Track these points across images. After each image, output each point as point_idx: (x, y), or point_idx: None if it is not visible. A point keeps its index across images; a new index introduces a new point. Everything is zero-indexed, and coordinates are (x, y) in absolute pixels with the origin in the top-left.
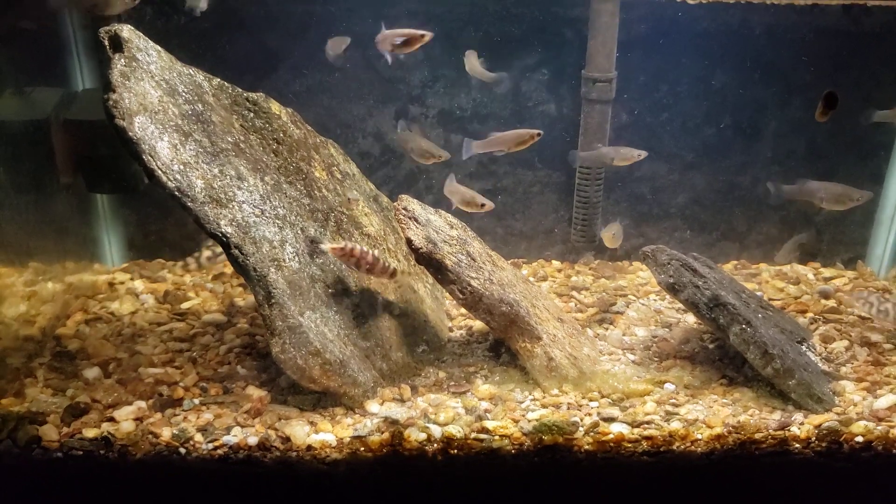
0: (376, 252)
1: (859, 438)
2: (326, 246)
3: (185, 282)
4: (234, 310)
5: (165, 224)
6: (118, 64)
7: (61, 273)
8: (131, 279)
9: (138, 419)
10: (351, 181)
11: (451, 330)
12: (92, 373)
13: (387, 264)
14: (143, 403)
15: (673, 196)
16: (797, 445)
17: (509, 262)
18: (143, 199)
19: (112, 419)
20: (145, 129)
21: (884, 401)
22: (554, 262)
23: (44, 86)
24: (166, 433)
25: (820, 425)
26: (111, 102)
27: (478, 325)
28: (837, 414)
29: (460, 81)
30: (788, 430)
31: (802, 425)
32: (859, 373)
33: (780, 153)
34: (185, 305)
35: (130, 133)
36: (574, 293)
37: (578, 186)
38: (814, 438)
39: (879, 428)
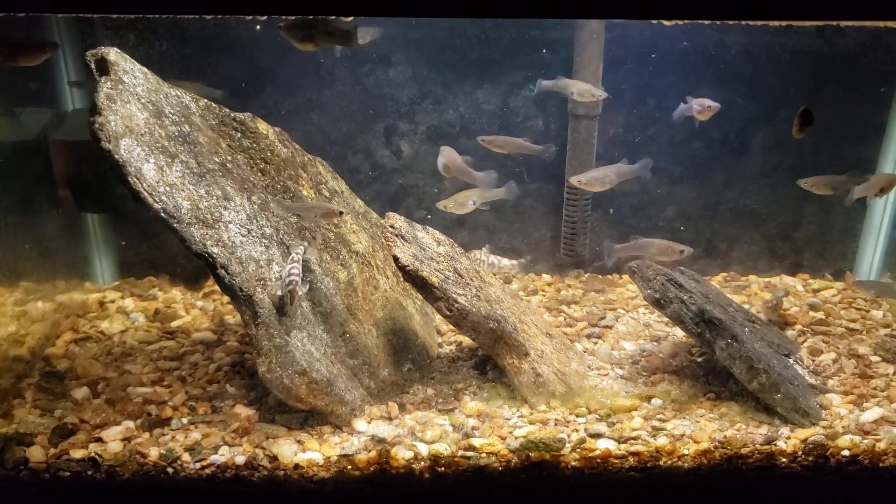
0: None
1: (846, 452)
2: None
3: (175, 299)
4: (223, 328)
5: (156, 242)
6: (104, 87)
7: (51, 292)
8: (122, 298)
9: (126, 439)
10: (339, 198)
11: (440, 346)
12: (80, 393)
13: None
14: (131, 423)
15: (660, 210)
16: (784, 460)
17: (498, 277)
18: (133, 217)
19: (100, 440)
20: (131, 152)
21: (870, 414)
22: (544, 275)
23: (33, 106)
24: (154, 453)
25: (806, 439)
26: (97, 125)
27: (467, 341)
28: (824, 428)
29: (448, 98)
30: (775, 445)
31: (789, 440)
32: (846, 385)
33: (766, 168)
34: (175, 324)
35: (116, 156)
36: (563, 307)
37: (567, 202)
38: (800, 453)
39: (866, 442)
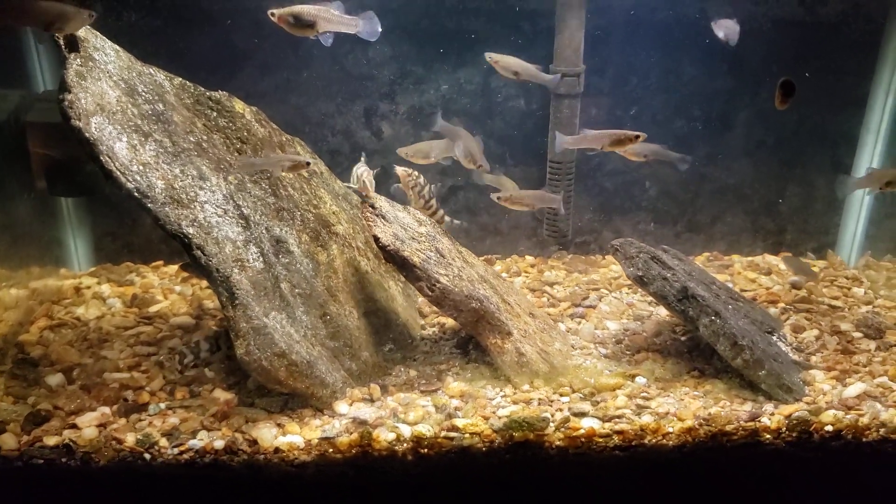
0: None
1: (829, 428)
2: None
3: (153, 284)
4: (202, 312)
5: (133, 227)
6: (73, 64)
7: (25, 278)
8: (98, 283)
9: (102, 425)
10: (318, 179)
11: (423, 328)
12: (55, 379)
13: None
14: (107, 409)
15: (643, 189)
16: (768, 436)
17: (482, 258)
18: (109, 201)
19: (74, 426)
20: (102, 130)
21: (853, 389)
22: (527, 257)
23: (3, 88)
24: (130, 439)
25: (790, 415)
26: (66, 103)
27: (450, 322)
28: (807, 403)
29: (429, 78)
30: (759, 421)
31: (773, 416)
32: (829, 362)
33: (750, 144)
34: (153, 309)
35: (87, 134)
36: (546, 288)
37: (549, 181)
38: (784, 429)
39: (849, 417)
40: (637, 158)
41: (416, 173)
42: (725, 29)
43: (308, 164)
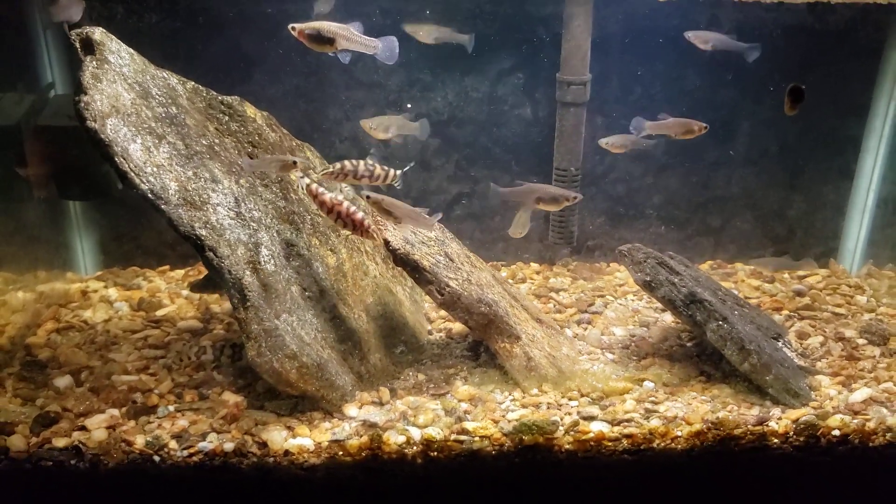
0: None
1: (836, 432)
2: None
3: (160, 289)
4: (210, 316)
5: (140, 231)
6: (90, 66)
7: (32, 282)
8: (105, 287)
9: (111, 427)
10: (328, 183)
11: (430, 332)
12: (63, 381)
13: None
14: (115, 411)
15: (648, 196)
16: (775, 440)
17: (488, 265)
18: (117, 205)
19: (83, 428)
20: (118, 132)
21: (859, 394)
22: (532, 264)
23: (13, 91)
24: (140, 441)
25: (797, 420)
26: (82, 104)
27: (457, 327)
28: (814, 408)
29: (437, 85)
30: (767, 426)
31: (780, 420)
32: (834, 367)
33: (753, 151)
34: (160, 313)
35: (102, 135)
36: (552, 294)
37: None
38: (791, 433)
39: (855, 421)
40: (619, 150)
41: (337, 165)
42: (703, 40)
43: (294, 163)
